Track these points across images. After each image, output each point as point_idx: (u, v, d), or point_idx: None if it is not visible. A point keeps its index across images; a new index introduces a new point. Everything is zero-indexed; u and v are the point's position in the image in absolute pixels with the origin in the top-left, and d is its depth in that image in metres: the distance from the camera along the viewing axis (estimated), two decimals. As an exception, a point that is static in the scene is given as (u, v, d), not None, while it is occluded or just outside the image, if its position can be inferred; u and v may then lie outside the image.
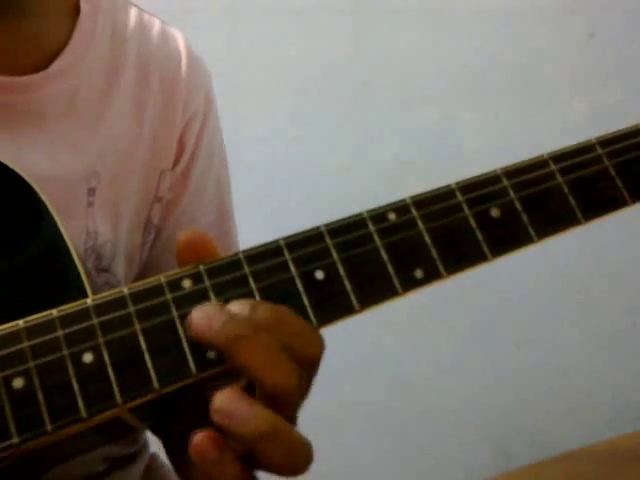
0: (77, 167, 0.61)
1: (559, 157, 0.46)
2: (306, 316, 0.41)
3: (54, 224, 0.47)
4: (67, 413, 0.39)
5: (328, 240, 0.43)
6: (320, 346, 0.41)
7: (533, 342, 1.60)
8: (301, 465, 0.39)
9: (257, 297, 0.41)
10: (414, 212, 0.44)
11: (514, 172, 0.45)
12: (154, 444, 0.73)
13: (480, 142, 1.58)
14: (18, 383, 0.39)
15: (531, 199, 0.45)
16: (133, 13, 0.68)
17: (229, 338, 0.39)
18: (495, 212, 0.44)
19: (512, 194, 0.45)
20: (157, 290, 0.41)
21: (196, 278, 0.41)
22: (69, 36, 0.62)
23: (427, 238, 0.43)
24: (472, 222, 0.44)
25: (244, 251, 0.42)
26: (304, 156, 1.51)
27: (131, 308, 0.40)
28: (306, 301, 0.41)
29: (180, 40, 0.70)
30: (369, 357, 1.52)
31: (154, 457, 0.74)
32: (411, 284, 0.42)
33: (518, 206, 0.44)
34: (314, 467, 0.40)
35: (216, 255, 0.42)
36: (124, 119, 0.65)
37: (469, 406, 1.57)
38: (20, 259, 0.46)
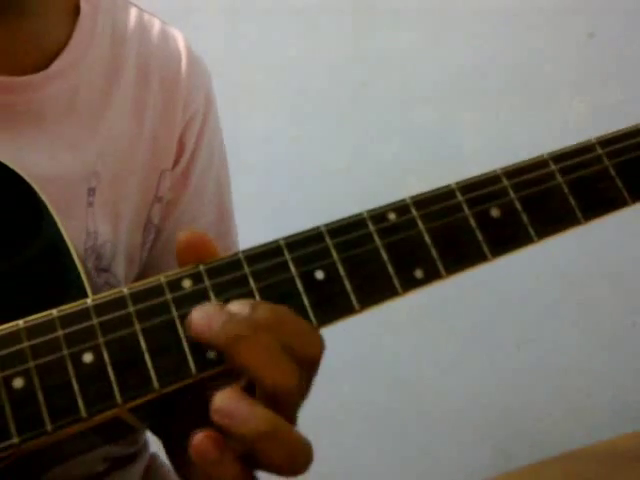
0: (77, 167, 0.61)
1: (559, 157, 0.46)
2: (306, 316, 0.41)
3: (54, 224, 0.47)
4: (67, 413, 0.39)
5: (328, 240, 0.43)
6: (320, 346, 0.41)
7: (533, 342, 1.60)
8: (301, 465, 0.39)
9: (257, 297, 0.41)
10: (414, 212, 0.44)
11: (514, 172, 0.45)
12: (154, 444, 0.73)
13: (480, 142, 1.58)
14: (18, 383, 0.39)
15: (531, 199, 0.45)
16: (133, 13, 0.68)
17: (229, 338, 0.39)
18: (495, 212, 0.44)
19: (512, 194, 0.45)
20: (157, 290, 0.41)
21: (196, 278, 0.41)
22: (69, 36, 0.62)
23: (427, 238, 0.43)
24: (472, 222, 0.44)
25: (244, 251, 0.42)
26: (304, 156, 1.51)
27: (131, 308, 0.40)
28: (306, 301, 0.41)
29: (180, 40, 0.70)
30: (369, 357, 1.52)
31: (154, 457, 0.74)
32: (411, 284, 0.42)
33: (518, 206, 0.44)
34: (314, 467, 0.40)
35: (216, 255, 0.42)
36: (124, 119, 0.65)
37: (469, 406, 1.57)
38: (20, 259, 0.46)
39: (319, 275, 0.42)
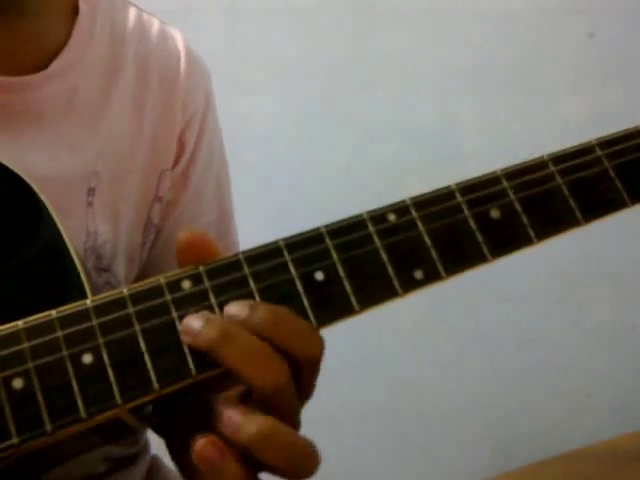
0: (77, 167, 0.61)
1: (559, 158, 0.46)
2: (306, 317, 0.41)
3: (53, 225, 0.47)
4: (67, 413, 0.39)
5: (328, 241, 0.43)
6: (320, 346, 0.41)
7: (533, 342, 1.61)
8: (306, 468, 0.39)
9: (257, 298, 0.41)
10: (414, 213, 0.44)
11: (514, 173, 0.45)
12: (155, 445, 0.73)
13: (480, 142, 1.58)
14: (18, 384, 0.39)
15: (531, 200, 0.45)
16: (132, 13, 0.68)
17: (211, 341, 0.39)
18: (495, 213, 0.44)
19: (512, 195, 0.45)
20: (157, 291, 0.41)
21: (196, 279, 0.41)
22: (68, 36, 0.62)
23: (427, 239, 0.43)
24: (472, 223, 0.44)
25: (244, 252, 0.42)
26: (304, 156, 1.51)
27: (131, 309, 0.40)
28: (306, 302, 0.41)
29: (179, 40, 0.70)
30: (369, 357, 1.52)
31: (156, 459, 0.74)
32: (411, 285, 0.42)
33: (518, 207, 0.44)
34: (314, 467, 0.40)
35: (216, 255, 0.42)
36: (123, 119, 0.65)
37: (469, 406, 1.57)
38: (20, 260, 0.46)
39: (319, 276, 0.42)
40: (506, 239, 0.44)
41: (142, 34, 0.67)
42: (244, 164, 1.12)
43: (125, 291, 0.41)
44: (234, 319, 0.40)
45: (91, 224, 0.61)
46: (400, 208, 0.44)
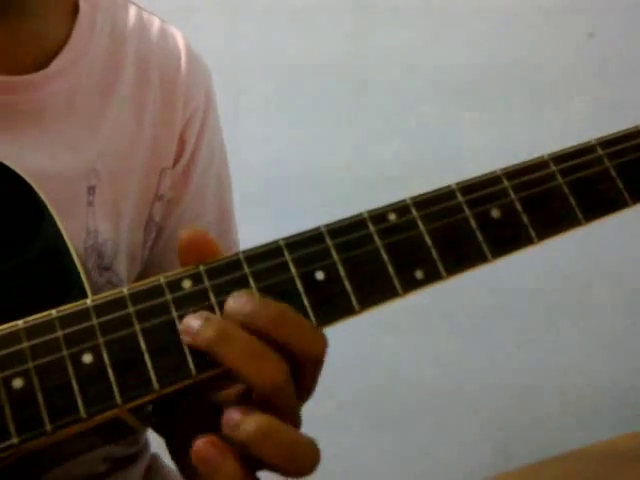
0: (77, 166, 0.61)
1: (559, 158, 0.46)
2: (306, 317, 0.41)
3: (54, 224, 0.47)
4: (66, 413, 0.38)
5: (328, 241, 0.42)
6: (323, 345, 0.41)
7: (533, 342, 1.60)
8: (306, 466, 0.39)
9: (257, 298, 0.41)
10: (414, 213, 0.44)
11: (514, 173, 0.45)
12: (155, 444, 0.73)
13: (480, 142, 1.58)
14: (17, 383, 0.39)
15: (532, 200, 0.45)
16: (132, 11, 0.68)
17: (209, 340, 0.39)
18: (495, 213, 0.44)
19: (512, 195, 0.45)
20: (157, 290, 0.41)
21: (196, 278, 0.41)
22: (68, 35, 0.62)
23: (427, 239, 0.43)
24: (472, 223, 0.44)
25: (244, 251, 0.42)
26: (304, 156, 1.51)
27: (131, 308, 0.40)
28: (306, 302, 0.41)
29: (179, 38, 0.70)
30: (369, 357, 1.52)
31: (155, 457, 0.74)
32: (411, 285, 0.42)
33: (519, 207, 0.44)
34: (313, 467, 0.40)
35: (218, 254, 0.42)
36: (124, 117, 0.65)
37: (469, 406, 1.57)
38: (20, 259, 0.46)
39: (319, 276, 0.42)
40: (507, 239, 0.44)
41: (142, 32, 0.67)
42: (244, 164, 1.12)
43: (125, 290, 0.41)
44: (236, 315, 0.40)
45: (91, 223, 0.61)
46: (400, 208, 0.44)
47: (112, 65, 0.64)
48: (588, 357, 1.62)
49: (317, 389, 0.43)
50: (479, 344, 1.58)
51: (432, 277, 0.43)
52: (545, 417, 1.61)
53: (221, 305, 0.41)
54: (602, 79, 1.64)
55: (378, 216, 0.43)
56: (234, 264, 0.42)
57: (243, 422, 0.38)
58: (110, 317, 0.40)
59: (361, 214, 0.44)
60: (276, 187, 1.49)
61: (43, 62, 0.60)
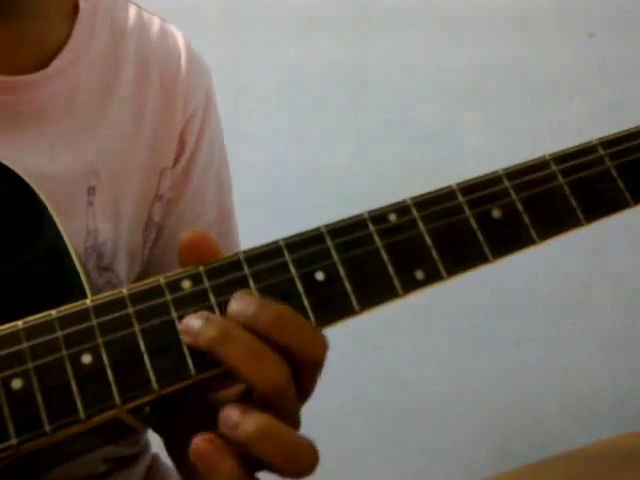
0: (77, 166, 0.61)
1: (560, 158, 0.46)
2: (306, 317, 0.41)
3: (54, 225, 0.47)
4: (66, 414, 0.38)
5: (328, 241, 0.42)
6: (323, 347, 0.41)
7: (533, 342, 1.60)
8: (305, 466, 0.39)
9: (257, 298, 0.41)
10: (415, 213, 0.43)
11: (515, 173, 0.45)
12: (155, 444, 0.73)
13: (480, 142, 1.58)
14: (17, 384, 0.39)
15: (532, 200, 0.44)
16: (132, 11, 0.68)
17: (210, 340, 0.39)
18: (496, 213, 0.44)
19: (513, 195, 0.44)
20: (156, 291, 0.41)
21: (196, 279, 0.41)
22: (68, 35, 0.62)
23: (428, 239, 0.43)
24: (473, 223, 0.44)
25: (244, 252, 0.42)
26: (304, 156, 1.51)
27: (130, 309, 0.40)
28: (306, 302, 0.41)
29: (180, 37, 0.70)
30: (369, 357, 1.52)
31: (155, 457, 0.74)
32: (412, 285, 0.42)
33: (519, 207, 0.44)
34: (313, 467, 0.40)
35: (218, 254, 0.42)
36: (124, 117, 0.64)
37: (468, 406, 1.57)
38: (20, 260, 0.46)
39: (319, 276, 0.42)
40: (507, 239, 0.44)
41: (142, 32, 0.67)
42: (244, 164, 1.12)
43: (125, 291, 0.41)
44: (238, 317, 0.40)
45: (91, 223, 0.61)
46: (401, 208, 0.44)
47: (112, 65, 0.64)
48: (588, 357, 1.62)
49: (317, 389, 0.43)
50: (479, 344, 1.58)
51: (432, 277, 0.43)
52: (545, 417, 1.61)
53: (221, 305, 0.41)
54: (602, 79, 1.64)
55: (378, 216, 0.43)
56: (234, 264, 0.42)
57: (242, 422, 0.38)
58: (110, 317, 0.40)
59: (361, 214, 0.43)
60: (276, 187, 1.49)
61: (43, 62, 0.60)
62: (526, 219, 0.44)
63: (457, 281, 0.43)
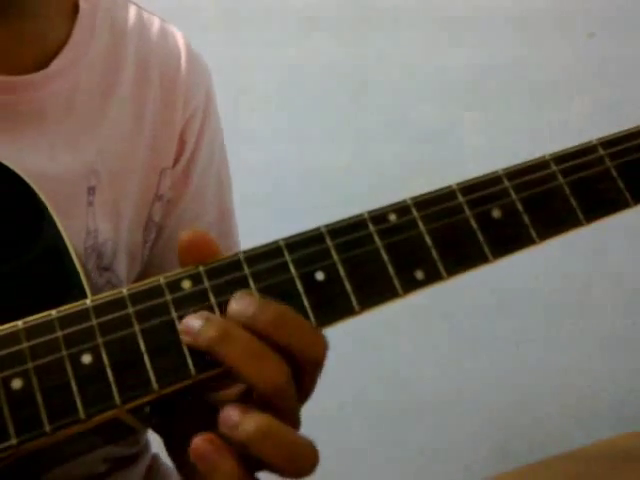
0: (77, 166, 0.61)
1: (560, 158, 0.45)
2: (306, 317, 0.41)
3: (54, 225, 0.47)
4: (66, 414, 0.38)
5: (328, 241, 0.42)
6: (323, 347, 0.41)
7: (533, 342, 1.60)
8: (305, 467, 0.39)
9: (257, 298, 0.41)
10: (415, 213, 0.43)
11: (515, 173, 0.45)
12: (155, 444, 0.73)
13: (480, 142, 1.58)
14: (17, 384, 0.39)
15: (533, 200, 0.44)
16: (132, 11, 0.68)
17: (210, 340, 0.39)
18: (496, 213, 0.44)
19: (513, 195, 0.44)
20: (156, 291, 0.41)
21: (195, 279, 0.41)
22: (68, 35, 0.62)
23: (428, 239, 0.43)
24: (473, 223, 0.44)
25: (244, 252, 0.42)
26: (304, 156, 1.51)
27: (130, 309, 0.40)
28: (306, 302, 0.41)
29: (180, 37, 0.70)
30: (369, 357, 1.52)
31: (155, 457, 0.74)
32: (412, 285, 0.42)
33: (519, 207, 0.44)
34: (313, 467, 0.40)
35: (218, 255, 0.42)
36: (124, 117, 0.64)
37: (468, 405, 1.57)
38: (20, 260, 0.46)
39: (319, 276, 0.42)
40: (507, 239, 0.44)
41: (142, 32, 0.67)
42: (244, 164, 1.12)
43: (125, 291, 0.41)
44: (238, 317, 0.40)
45: (91, 223, 0.61)
46: (401, 208, 0.44)
47: (112, 65, 0.64)
48: (588, 357, 1.62)
49: (317, 389, 0.43)
50: (479, 344, 1.58)
51: (432, 277, 0.43)
52: (544, 417, 1.61)
53: (221, 305, 0.41)
54: (602, 79, 1.64)
55: (378, 216, 0.43)
56: (234, 264, 0.42)
57: (242, 422, 0.38)
58: (109, 317, 0.40)
59: (361, 214, 0.43)
60: (276, 187, 1.49)
61: (43, 62, 0.60)
62: (526, 219, 0.44)
63: (457, 281, 0.43)
